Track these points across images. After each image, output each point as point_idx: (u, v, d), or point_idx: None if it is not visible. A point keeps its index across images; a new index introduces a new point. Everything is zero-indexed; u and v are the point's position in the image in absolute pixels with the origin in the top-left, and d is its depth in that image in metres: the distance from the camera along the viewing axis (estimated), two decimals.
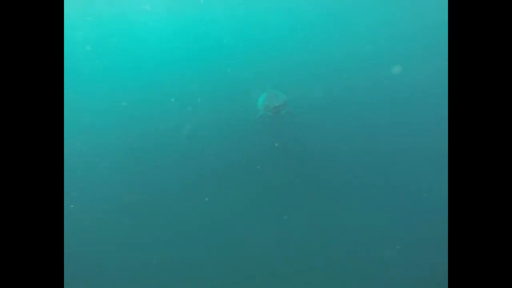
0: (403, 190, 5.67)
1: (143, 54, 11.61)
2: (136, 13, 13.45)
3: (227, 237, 5.07)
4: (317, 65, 9.79)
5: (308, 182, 6.03)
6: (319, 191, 5.81)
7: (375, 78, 8.80)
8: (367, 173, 6.09)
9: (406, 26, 11.17)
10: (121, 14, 13.34)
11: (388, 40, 10.66)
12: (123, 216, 5.36)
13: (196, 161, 6.58)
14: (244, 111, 6.84)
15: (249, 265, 4.67)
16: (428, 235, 4.77)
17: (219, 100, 8.28)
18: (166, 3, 13.70)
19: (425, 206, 5.33)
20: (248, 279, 4.56)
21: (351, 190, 5.80)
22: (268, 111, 5.95)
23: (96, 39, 12.15)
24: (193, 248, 4.97)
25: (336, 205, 5.54)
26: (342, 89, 8.51)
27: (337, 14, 12.70)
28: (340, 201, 5.59)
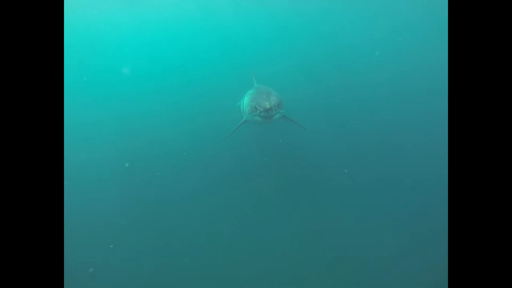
0: (403, 188, 5.65)
1: (137, 62, 11.55)
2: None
3: (228, 239, 5.09)
4: (312, 64, 9.61)
5: (306, 184, 6.01)
6: (319, 193, 5.79)
7: (374, 75, 8.69)
8: (367, 172, 6.07)
9: (403, 20, 10.96)
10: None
11: (387, 35, 10.51)
12: (121, 228, 5.39)
13: (196, 168, 6.54)
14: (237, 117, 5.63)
15: (250, 267, 4.68)
16: (428, 234, 4.76)
17: (212, 106, 8.14)
18: (157, 12, 13.39)
19: (425, 204, 5.32)
20: (248, 279, 4.57)
21: (352, 191, 5.78)
22: (256, 115, 4.24)
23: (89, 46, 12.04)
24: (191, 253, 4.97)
25: (336, 206, 5.54)
26: (340, 87, 8.37)
27: (332, 10, 12.37)
28: (340, 202, 5.59)
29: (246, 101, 4.61)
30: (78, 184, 5.86)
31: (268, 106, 4.04)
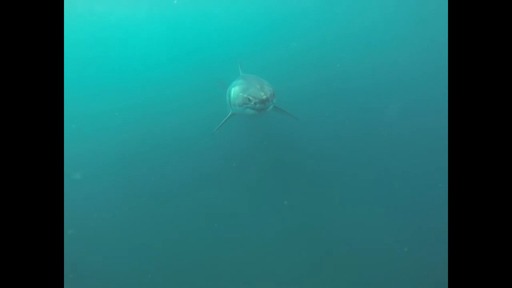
0: (403, 185, 5.54)
1: (133, 56, 11.30)
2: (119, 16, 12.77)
3: (227, 236, 5.04)
4: (304, 52, 9.09)
5: (304, 180, 5.84)
6: (317, 189, 5.64)
7: (371, 63, 8.15)
8: (366, 168, 5.92)
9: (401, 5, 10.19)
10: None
11: (384, 20, 9.95)
12: (119, 222, 5.34)
13: (191, 162, 6.38)
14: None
15: (244, 266, 4.63)
16: (428, 234, 4.68)
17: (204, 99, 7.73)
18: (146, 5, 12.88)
19: (425, 203, 5.21)
20: (247, 279, 4.53)
21: (351, 186, 5.64)
22: (249, 107, 3.81)
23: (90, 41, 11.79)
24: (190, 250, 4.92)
25: (334, 202, 5.44)
26: (334, 76, 7.97)
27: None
28: (339, 199, 5.49)
29: (234, 92, 4.12)
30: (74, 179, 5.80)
31: (264, 97, 3.66)
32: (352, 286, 4.36)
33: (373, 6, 10.22)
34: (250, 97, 3.74)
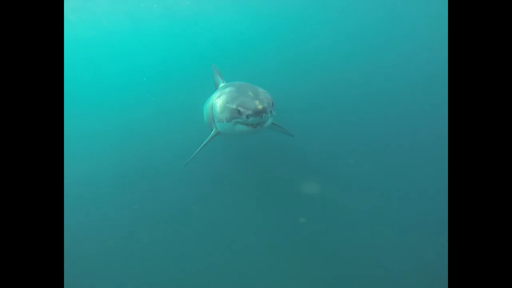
0: (403, 190, 5.54)
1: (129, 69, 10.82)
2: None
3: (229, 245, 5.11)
4: (299, 59, 8.73)
5: (303, 186, 5.75)
6: (316, 197, 5.57)
7: (368, 70, 7.89)
8: (365, 174, 5.85)
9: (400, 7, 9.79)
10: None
11: (377, 26, 9.64)
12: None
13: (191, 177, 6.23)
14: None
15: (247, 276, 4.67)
16: (428, 237, 4.72)
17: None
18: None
19: (425, 208, 5.22)
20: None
21: (351, 195, 5.58)
22: (241, 122, 2.92)
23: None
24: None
25: (330, 207, 5.42)
26: (329, 85, 7.64)
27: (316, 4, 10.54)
28: (333, 204, 5.46)
29: (220, 104, 3.18)
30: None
31: (260, 107, 2.73)
32: None
33: (369, 10, 9.88)
34: (240, 108, 2.84)
